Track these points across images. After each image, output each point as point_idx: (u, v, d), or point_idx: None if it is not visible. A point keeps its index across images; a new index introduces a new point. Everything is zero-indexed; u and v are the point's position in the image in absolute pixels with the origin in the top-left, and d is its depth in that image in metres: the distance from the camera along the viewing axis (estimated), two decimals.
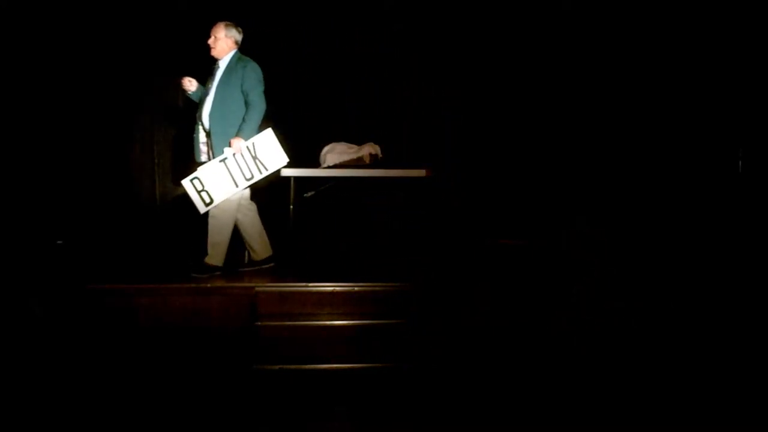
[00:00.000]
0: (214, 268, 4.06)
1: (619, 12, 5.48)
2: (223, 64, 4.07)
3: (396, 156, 5.22)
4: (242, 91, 3.99)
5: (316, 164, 4.96)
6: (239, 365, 3.64)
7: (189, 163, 4.20)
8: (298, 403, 3.43)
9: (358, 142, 5.05)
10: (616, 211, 5.43)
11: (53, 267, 4.40)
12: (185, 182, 4.02)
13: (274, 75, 5.49)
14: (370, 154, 4.95)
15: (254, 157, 4.03)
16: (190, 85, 4.11)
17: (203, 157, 4.10)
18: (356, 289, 3.90)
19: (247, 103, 4.00)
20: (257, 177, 4.06)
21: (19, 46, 5.14)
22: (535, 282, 4.05)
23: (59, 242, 5.20)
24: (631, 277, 4.21)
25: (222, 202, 4.04)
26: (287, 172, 4.65)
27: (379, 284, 3.92)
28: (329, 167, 4.86)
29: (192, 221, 4.44)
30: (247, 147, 4.01)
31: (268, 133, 4.09)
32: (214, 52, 4.07)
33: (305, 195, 5.11)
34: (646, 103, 5.51)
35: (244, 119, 3.99)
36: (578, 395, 3.48)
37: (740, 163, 5.25)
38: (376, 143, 5.05)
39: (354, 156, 4.92)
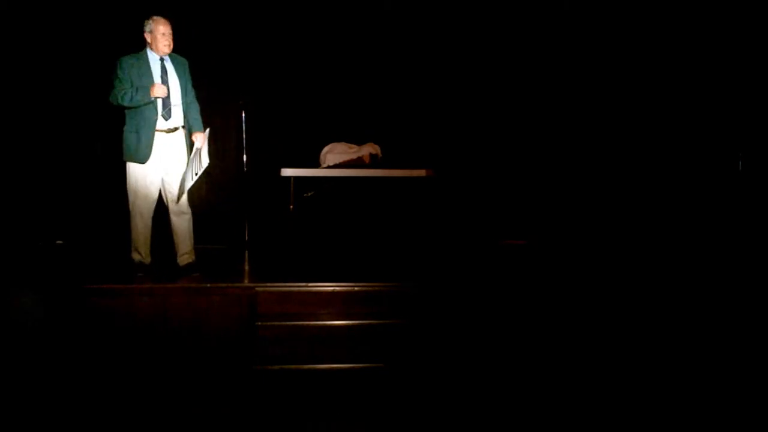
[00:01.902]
0: (197, 263, 4.18)
1: (620, 13, 5.48)
2: (168, 60, 4.02)
3: (396, 156, 5.22)
4: (185, 88, 4.05)
5: (316, 164, 4.96)
6: (239, 365, 3.64)
7: None
8: (298, 403, 3.43)
9: (358, 142, 5.05)
10: (616, 211, 5.43)
11: (53, 267, 4.40)
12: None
13: (275, 75, 5.55)
14: (370, 154, 4.95)
15: (200, 154, 4.02)
16: (164, 92, 3.96)
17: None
18: (356, 289, 3.89)
19: (189, 100, 4.08)
20: (199, 173, 4.03)
21: (18, 46, 5.14)
22: (535, 282, 4.04)
23: (59, 242, 5.20)
24: (631, 277, 4.20)
25: (186, 203, 4.09)
26: (287, 172, 4.65)
27: (379, 284, 3.92)
28: (329, 167, 4.86)
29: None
30: None
31: (208, 132, 4.10)
32: (169, 48, 3.98)
33: (305, 195, 5.11)
34: (647, 104, 5.52)
35: (195, 116, 4.10)
36: (578, 395, 3.48)
37: (740, 162, 5.25)
38: (376, 143, 5.05)
39: (354, 156, 4.92)
